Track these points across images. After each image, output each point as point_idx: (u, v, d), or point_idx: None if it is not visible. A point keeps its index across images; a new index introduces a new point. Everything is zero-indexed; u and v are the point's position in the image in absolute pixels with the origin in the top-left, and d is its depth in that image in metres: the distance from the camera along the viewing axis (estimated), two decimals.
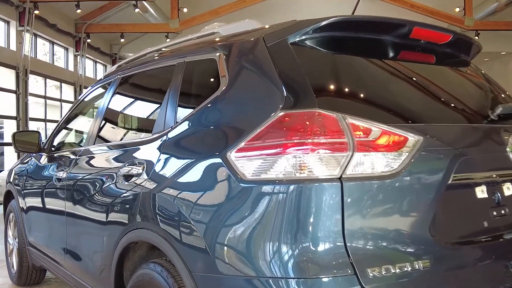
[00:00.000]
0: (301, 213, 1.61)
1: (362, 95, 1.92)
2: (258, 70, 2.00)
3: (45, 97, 15.24)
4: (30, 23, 13.13)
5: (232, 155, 1.81)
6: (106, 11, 16.76)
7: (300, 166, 1.64)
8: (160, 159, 2.26)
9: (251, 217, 1.71)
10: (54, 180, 3.52)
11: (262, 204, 1.69)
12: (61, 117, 4.25)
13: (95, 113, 3.44)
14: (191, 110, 2.24)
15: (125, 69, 3.28)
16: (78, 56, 17.07)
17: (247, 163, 1.77)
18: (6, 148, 13.43)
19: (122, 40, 17.81)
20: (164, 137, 2.32)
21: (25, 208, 4.21)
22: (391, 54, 2.16)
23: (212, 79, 2.26)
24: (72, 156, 3.47)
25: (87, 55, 17.69)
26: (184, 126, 2.23)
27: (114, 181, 2.59)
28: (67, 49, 16.91)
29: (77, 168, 3.25)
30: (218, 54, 2.25)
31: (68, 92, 16.85)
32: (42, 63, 14.93)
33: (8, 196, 4.85)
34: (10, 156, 13.19)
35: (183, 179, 2.06)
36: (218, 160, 1.87)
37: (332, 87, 1.92)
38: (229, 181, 1.82)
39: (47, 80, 15.35)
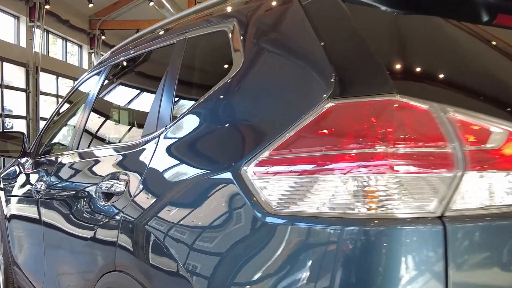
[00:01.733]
0: (368, 278, 0.93)
1: (465, 76, 1.16)
2: (290, 43, 1.32)
3: (57, 96, 14.72)
4: (41, 18, 12.61)
5: (250, 170, 1.14)
6: (121, 7, 16.21)
7: (367, 195, 0.96)
8: (148, 173, 1.60)
9: (280, 273, 1.03)
10: (33, 191, 2.89)
11: (297, 256, 1.01)
12: (52, 113, 3.56)
13: (80, 110, 2.80)
14: (192, 103, 1.56)
15: (116, 54, 2.63)
16: (93, 54, 16.56)
17: (272, 184, 1.09)
18: None
19: None
20: (155, 141, 1.65)
21: (9, 221, 3.60)
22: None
23: (221, 60, 1.59)
24: (53, 163, 2.83)
25: (101, 53, 17.17)
26: (182, 125, 1.56)
27: (92, 201, 1.94)
28: (81, 47, 16.40)
29: (55, 179, 2.61)
30: (230, 24, 1.57)
31: None
32: (54, 61, 14.42)
33: None
34: None
35: (176, 206, 1.39)
36: (228, 176, 1.20)
37: (414, 63, 1.17)
38: (243, 212, 1.15)
39: (59, 78, 14.86)
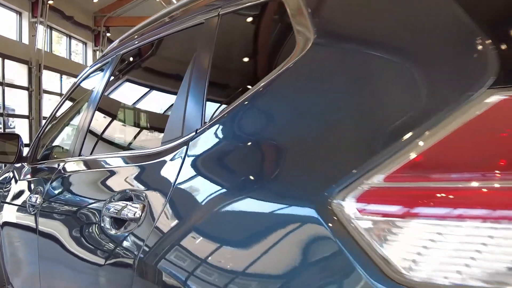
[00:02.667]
0: None
1: None
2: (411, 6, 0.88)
3: (60, 94, 14.31)
4: (44, 14, 12.19)
5: (348, 204, 0.69)
6: (127, 3, 15.79)
7: None
8: (175, 195, 1.15)
9: None
10: (28, 204, 2.47)
11: None
12: (50, 114, 3.11)
13: (83, 109, 2.37)
14: (235, 98, 1.10)
15: (126, 42, 2.20)
16: (97, 52, 16.14)
17: (397, 232, 0.65)
18: None
19: None
20: (183, 150, 1.21)
21: (2, 235, 3.18)
22: None
23: (276, 39, 1.16)
24: (51, 172, 2.41)
25: None
26: (222, 128, 1.11)
27: (96, 225, 1.50)
28: (85, 44, 16.00)
29: (53, 191, 2.18)
30: None
31: None
32: (57, 58, 14.00)
33: None
34: None
35: (225, 248, 0.94)
36: (307, 212, 0.75)
37: None
38: (338, 276, 0.69)
39: (63, 76, 14.44)
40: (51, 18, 12.69)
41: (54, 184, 2.23)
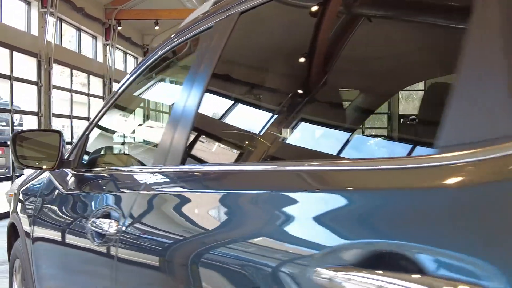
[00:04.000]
0: None
1: None
2: None
3: (71, 91, 13.49)
4: (54, 4, 11.36)
5: None
6: None
7: None
8: None
9: None
10: (89, 229, 1.70)
11: None
12: (97, 112, 2.26)
13: (175, 103, 1.57)
14: None
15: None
16: (108, 46, 15.33)
17: None
18: None
19: (157, 28, 15.97)
20: None
21: (36, 258, 2.40)
22: None
23: None
24: (126, 186, 1.63)
25: (117, 45, 15.95)
26: None
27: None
28: (95, 38, 15.18)
29: (145, 215, 1.41)
30: None
31: (96, 86, 15.10)
32: (67, 52, 13.17)
33: (14, 230, 3.06)
34: None
35: None
36: None
37: None
38: None
39: (73, 71, 13.62)
40: (61, 8, 11.85)
41: (143, 206, 1.44)
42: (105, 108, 2.21)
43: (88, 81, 14.61)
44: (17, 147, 2.14)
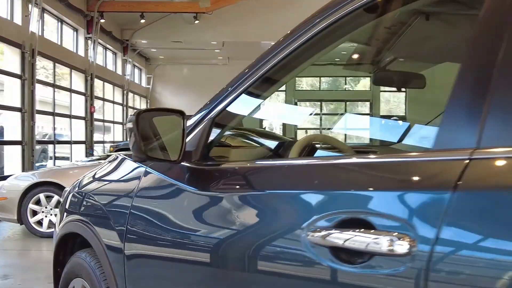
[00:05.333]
0: None
1: None
2: None
3: (54, 85, 12.59)
4: None
5: None
6: None
7: None
8: None
9: None
10: (309, 243, 1.09)
11: None
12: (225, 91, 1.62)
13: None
14: None
15: None
16: (89, 40, 14.47)
17: None
18: (6, 148, 10.78)
19: (143, 21, 15.18)
20: None
21: (134, 281, 1.76)
22: None
23: None
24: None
25: (99, 40, 15.08)
26: None
27: None
28: (76, 30, 14.30)
29: None
30: None
31: (77, 81, 14.20)
32: (51, 44, 12.26)
33: (65, 243, 2.39)
34: (12, 157, 10.55)
35: None
36: None
37: None
38: None
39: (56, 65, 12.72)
40: None
41: None
42: (243, 86, 1.58)
43: (70, 76, 13.72)
44: (139, 130, 1.50)
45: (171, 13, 15.16)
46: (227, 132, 1.93)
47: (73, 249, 2.37)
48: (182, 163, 1.64)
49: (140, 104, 20.87)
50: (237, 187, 1.51)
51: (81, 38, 14.37)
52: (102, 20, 14.59)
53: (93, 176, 2.34)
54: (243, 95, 1.62)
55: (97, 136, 15.66)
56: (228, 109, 1.65)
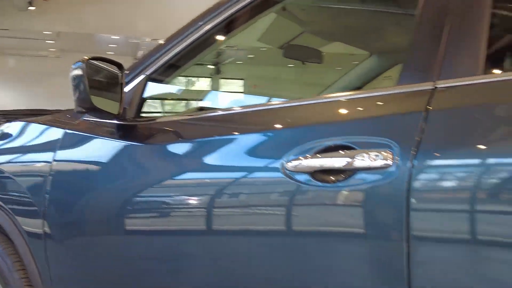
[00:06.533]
0: None
1: None
2: None
3: None
4: None
5: None
6: None
7: None
8: None
9: None
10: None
11: None
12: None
13: None
14: None
15: None
16: None
17: None
18: None
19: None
20: None
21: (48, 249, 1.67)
22: None
23: None
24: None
25: None
26: None
27: None
28: None
29: None
30: None
31: None
32: None
33: None
34: None
35: None
36: None
37: None
38: None
39: None
40: None
41: None
42: (181, 44, 1.63)
43: None
44: (88, 79, 1.45)
45: None
46: (162, 90, 1.93)
47: None
48: (114, 120, 1.62)
49: None
50: (178, 137, 1.55)
51: None
52: None
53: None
54: (179, 53, 1.66)
55: None
56: (164, 66, 1.68)
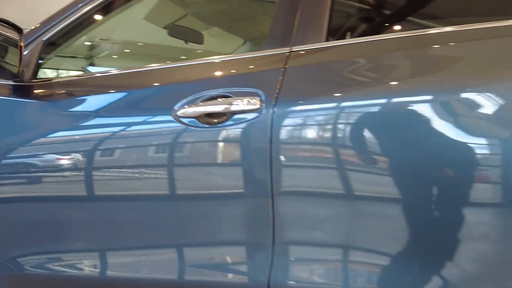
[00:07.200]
0: None
1: None
2: None
3: None
4: None
5: None
6: None
7: None
8: None
9: None
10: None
11: None
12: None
13: None
14: None
15: None
16: None
17: None
18: None
19: None
20: None
21: None
22: None
23: None
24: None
25: None
26: None
27: None
28: None
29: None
30: None
31: None
32: None
33: None
34: None
35: None
36: None
37: None
38: None
39: None
40: None
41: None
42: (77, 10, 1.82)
43: None
44: None
45: None
46: (58, 54, 2.06)
47: None
48: (12, 82, 1.77)
49: None
50: (73, 95, 1.74)
51: None
52: None
53: None
54: (73, 22, 1.85)
55: None
56: (59, 32, 1.85)
